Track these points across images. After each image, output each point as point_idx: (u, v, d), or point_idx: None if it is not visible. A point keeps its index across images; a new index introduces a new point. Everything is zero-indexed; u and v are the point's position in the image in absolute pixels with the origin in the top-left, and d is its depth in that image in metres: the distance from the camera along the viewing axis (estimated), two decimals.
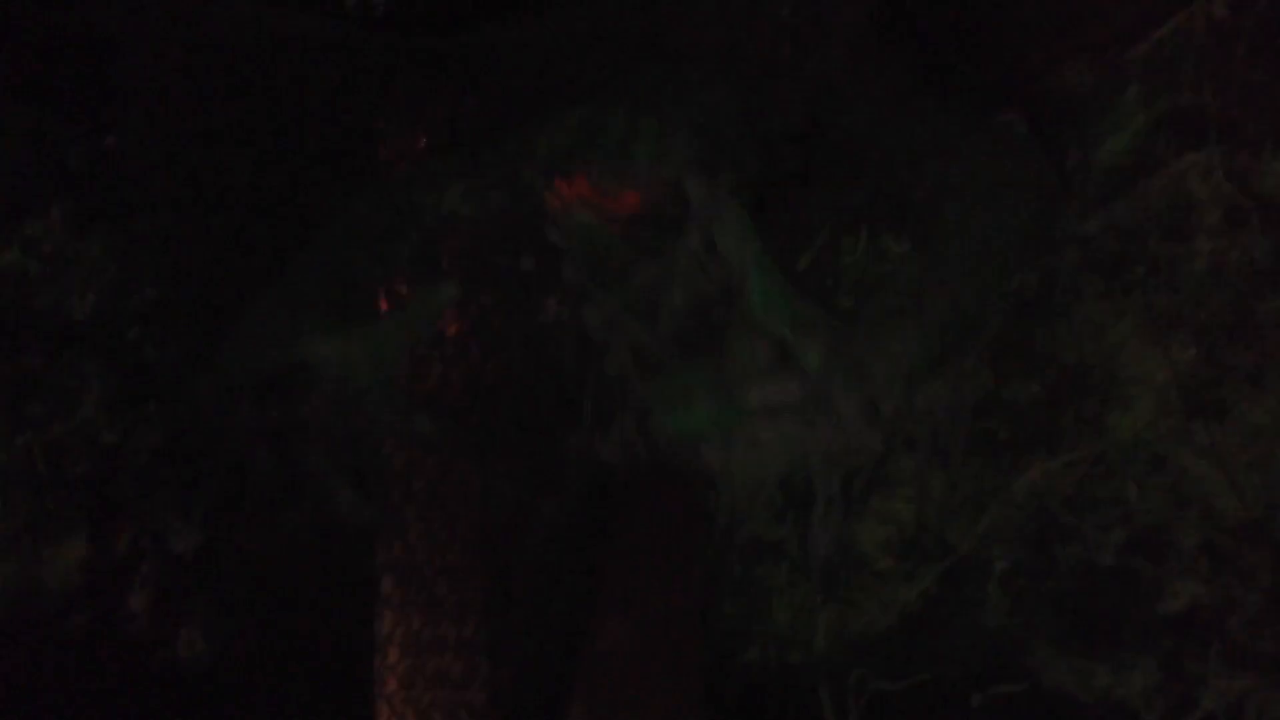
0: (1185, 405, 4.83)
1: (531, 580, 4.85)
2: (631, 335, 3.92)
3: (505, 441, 4.49)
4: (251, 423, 4.20)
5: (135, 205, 5.12)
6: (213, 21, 4.88)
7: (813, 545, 4.04)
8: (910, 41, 4.62)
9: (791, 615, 5.50)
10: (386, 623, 4.50)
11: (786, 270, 4.12)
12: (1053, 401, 5.07)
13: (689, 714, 4.91)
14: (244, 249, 4.97)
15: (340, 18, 4.79)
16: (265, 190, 5.03)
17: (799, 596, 5.51)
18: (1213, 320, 4.71)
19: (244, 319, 4.25)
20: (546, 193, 4.17)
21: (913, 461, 5.20)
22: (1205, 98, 4.43)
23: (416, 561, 4.54)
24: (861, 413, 3.76)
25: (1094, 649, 5.13)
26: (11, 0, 5.00)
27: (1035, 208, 4.39)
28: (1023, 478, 5.17)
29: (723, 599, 5.50)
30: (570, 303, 4.16)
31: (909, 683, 5.33)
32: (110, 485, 5.11)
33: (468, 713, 4.49)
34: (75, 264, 5.07)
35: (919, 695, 5.32)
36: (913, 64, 4.57)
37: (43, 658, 5.08)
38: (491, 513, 4.65)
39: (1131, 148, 4.59)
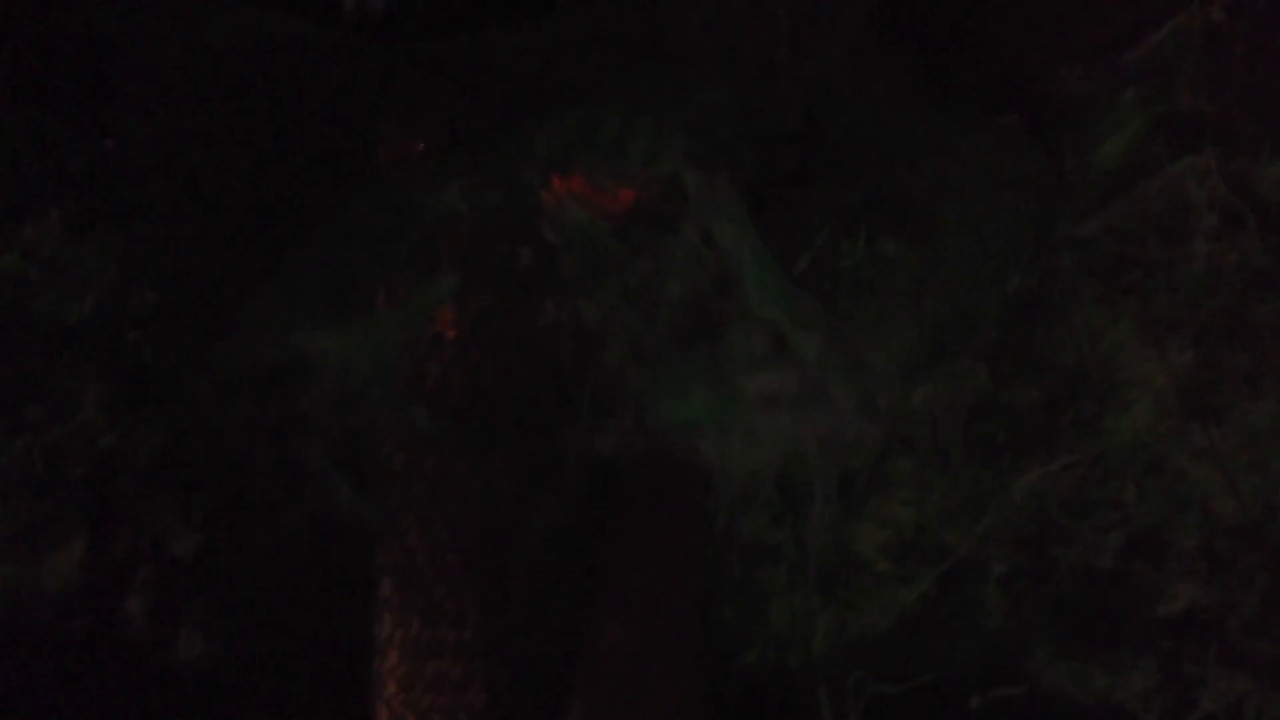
0: (1183, 408, 4.84)
1: (530, 582, 4.85)
2: (629, 328, 3.93)
3: (505, 437, 4.49)
4: (250, 418, 4.20)
5: (134, 208, 5.12)
6: (211, 25, 4.89)
7: (810, 537, 4.03)
8: (908, 43, 4.63)
9: (790, 618, 5.50)
10: (386, 625, 4.50)
11: (785, 270, 4.13)
12: (1051, 404, 5.07)
13: (688, 716, 4.91)
14: (243, 253, 4.97)
15: (338, 22, 4.80)
16: (264, 194, 5.03)
17: (798, 599, 5.51)
18: (1210, 323, 4.71)
19: (241, 315, 4.25)
20: (542, 190, 4.18)
21: (911, 464, 5.21)
22: (1202, 101, 4.44)
23: (416, 564, 4.55)
24: (858, 404, 3.77)
25: (1093, 651, 5.13)
26: (10, 1, 5.00)
27: (1033, 205, 4.40)
28: (1021, 480, 5.17)
29: (721, 601, 5.50)
30: (567, 297, 4.17)
31: (908, 685, 5.33)
32: (109, 488, 5.11)
33: (467, 715, 4.49)
34: (74, 267, 5.07)
35: (918, 697, 5.32)
36: (911, 65, 4.58)
37: (42, 660, 5.07)
38: (491, 515, 4.65)
39: (1128, 151, 4.60)
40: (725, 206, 4.05)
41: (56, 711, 5.08)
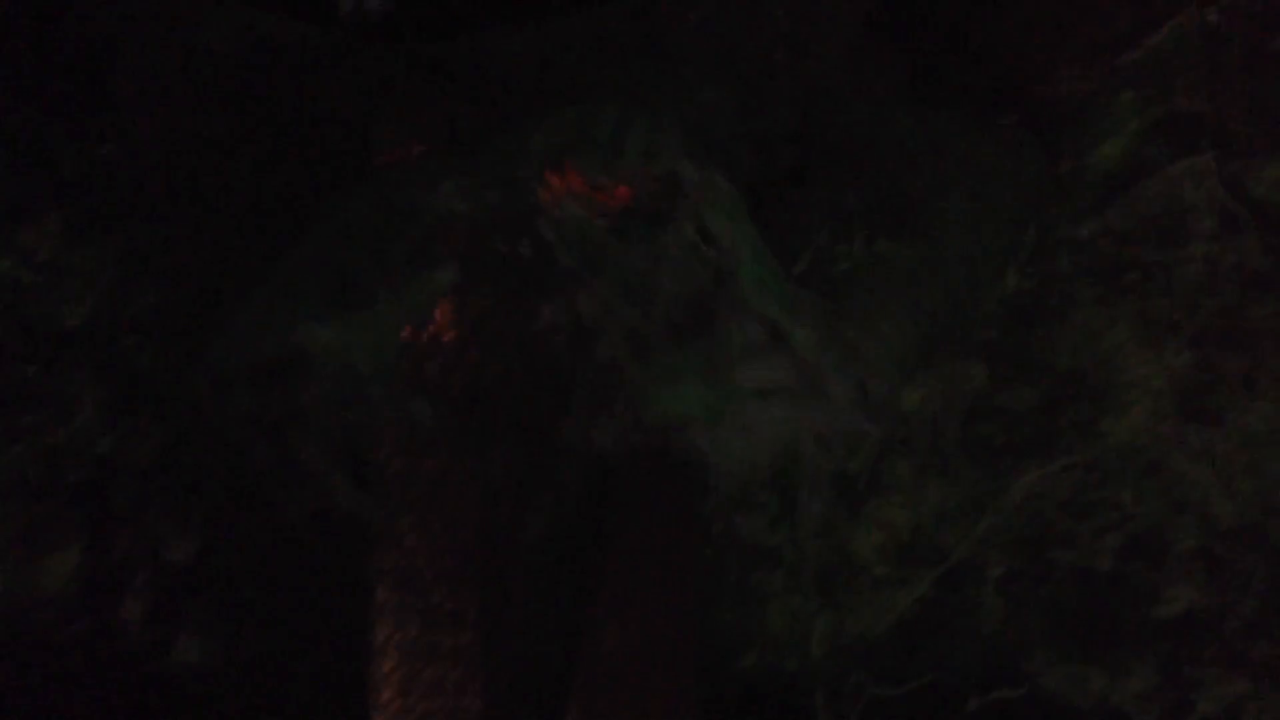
0: (1181, 410, 4.84)
1: (528, 586, 4.85)
2: (625, 321, 3.93)
3: (503, 432, 4.48)
4: (249, 414, 4.19)
5: (132, 212, 5.12)
6: (207, 30, 4.89)
7: (802, 530, 4.02)
8: (906, 44, 4.63)
9: (788, 620, 5.50)
10: (383, 629, 4.49)
11: (783, 268, 4.13)
12: (1048, 406, 5.07)
13: (686, 718, 4.91)
14: (240, 256, 4.97)
15: (335, 25, 4.80)
16: (262, 197, 5.03)
17: (796, 601, 5.51)
18: (1208, 325, 4.71)
19: (239, 311, 4.24)
20: (539, 188, 4.18)
21: (909, 466, 5.20)
22: (1200, 103, 4.44)
23: (413, 568, 4.54)
24: (854, 397, 3.76)
25: (1091, 653, 5.13)
26: (8, 5, 5.00)
27: (1030, 201, 4.40)
28: (1019, 482, 5.17)
29: (720, 604, 5.50)
30: (564, 291, 4.17)
31: (906, 687, 5.33)
32: (107, 492, 5.11)
33: (465, 719, 4.49)
34: (71, 271, 5.07)
35: (916, 699, 5.32)
36: (909, 66, 4.58)
37: (40, 664, 5.07)
38: (489, 519, 4.65)
39: (1126, 152, 4.60)
40: (721, 199, 4.05)
41: (55, 715, 5.08)
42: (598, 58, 4.65)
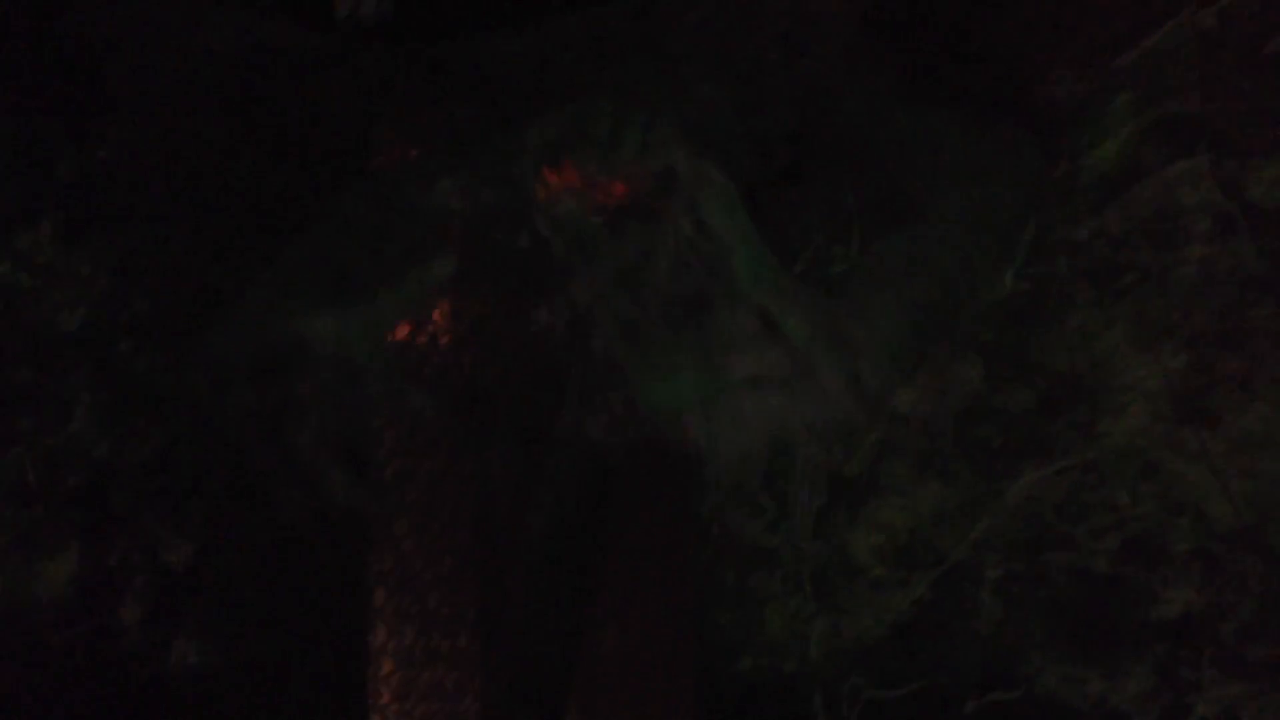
0: (1177, 412, 4.84)
1: (526, 590, 4.85)
2: (619, 309, 3.93)
3: (501, 430, 4.47)
4: (245, 404, 4.18)
5: (127, 217, 5.12)
6: (203, 33, 4.88)
7: (795, 514, 4.01)
8: (903, 47, 4.63)
9: (785, 623, 5.50)
10: (379, 635, 4.49)
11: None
12: (1045, 408, 5.08)
13: None
14: (237, 261, 4.97)
15: (330, 29, 4.80)
16: (258, 202, 5.03)
17: (793, 604, 5.51)
18: (1204, 327, 4.71)
19: (236, 304, 4.24)
20: (535, 184, 4.19)
21: (905, 468, 5.21)
22: (1196, 105, 4.44)
23: (410, 572, 4.54)
24: (846, 384, 3.76)
25: (1088, 655, 5.14)
26: (3, 9, 5.00)
27: (1026, 194, 4.39)
28: (1015, 484, 5.17)
29: (717, 607, 5.50)
30: (559, 281, 4.18)
31: (903, 690, 5.33)
32: (103, 497, 5.11)
33: None
34: (66, 277, 5.07)
35: (913, 702, 5.32)
36: (905, 68, 4.58)
37: (36, 670, 5.07)
38: (486, 522, 4.65)
39: (1122, 155, 4.60)
40: (715, 187, 4.05)
41: (53, 718, 5.08)
42: (595, 57, 4.65)
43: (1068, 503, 5.14)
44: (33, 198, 5.09)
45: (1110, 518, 5.09)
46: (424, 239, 4.24)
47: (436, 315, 4.47)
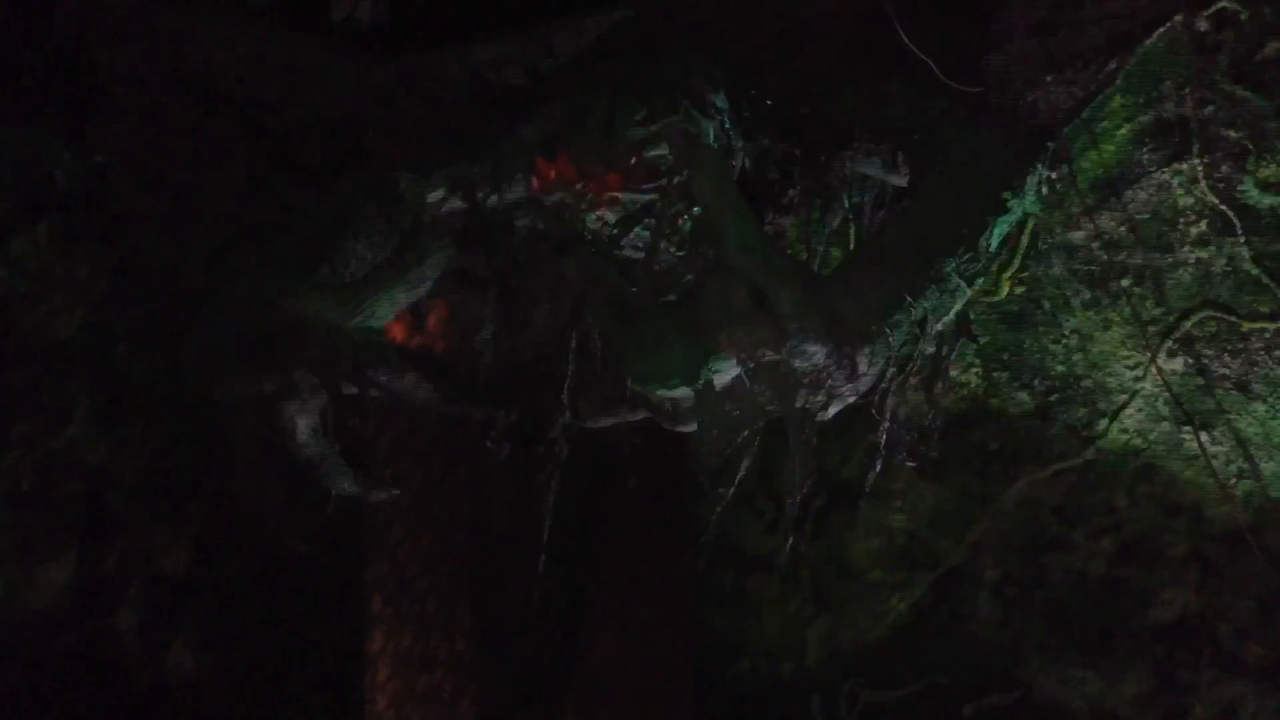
0: (1173, 414, 4.84)
1: (522, 596, 4.85)
2: (611, 286, 3.93)
3: (496, 435, 4.46)
4: (238, 387, 4.14)
5: (123, 224, 5.12)
6: (199, 40, 4.89)
7: (787, 483, 3.98)
8: (897, 51, 4.63)
9: (783, 626, 5.51)
10: (376, 640, 4.50)
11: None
12: (1041, 411, 5.08)
13: None
14: (232, 266, 4.97)
15: (326, 36, 4.81)
16: (253, 207, 5.03)
17: (790, 608, 5.51)
18: (1200, 329, 4.71)
19: (229, 288, 4.21)
20: (530, 175, 4.19)
21: (903, 472, 5.21)
22: (1189, 108, 4.44)
23: (406, 579, 4.55)
24: (836, 359, 3.75)
25: (1086, 657, 5.14)
26: None
27: (1014, 173, 4.37)
28: (1013, 487, 5.17)
29: (714, 611, 5.50)
30: (550, 262, 4.19)
31: (901, 693, 5.34)
32: (100, 503, 5.11)
33: None
34: (63, 282, 5.07)
35: (911, 705, 5.32)
36: (901, 72, 4.58)
37: (33, 675, 5.08)
38: (482, 529, 4.65)
39: (1116, 158, 4.59)
40: (706, 160, 4.05)
41: None
42: (593, 56, 4.66)
43: (1065, 505, 5.14)
44: (30, 203, 5.10)
45: (1108, 520, 5.09)
46: (419, 228, 4.24)
47: (431, 322, 4.47)
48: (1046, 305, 4.89)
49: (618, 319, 3.85)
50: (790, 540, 5.25)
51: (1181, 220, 4.60)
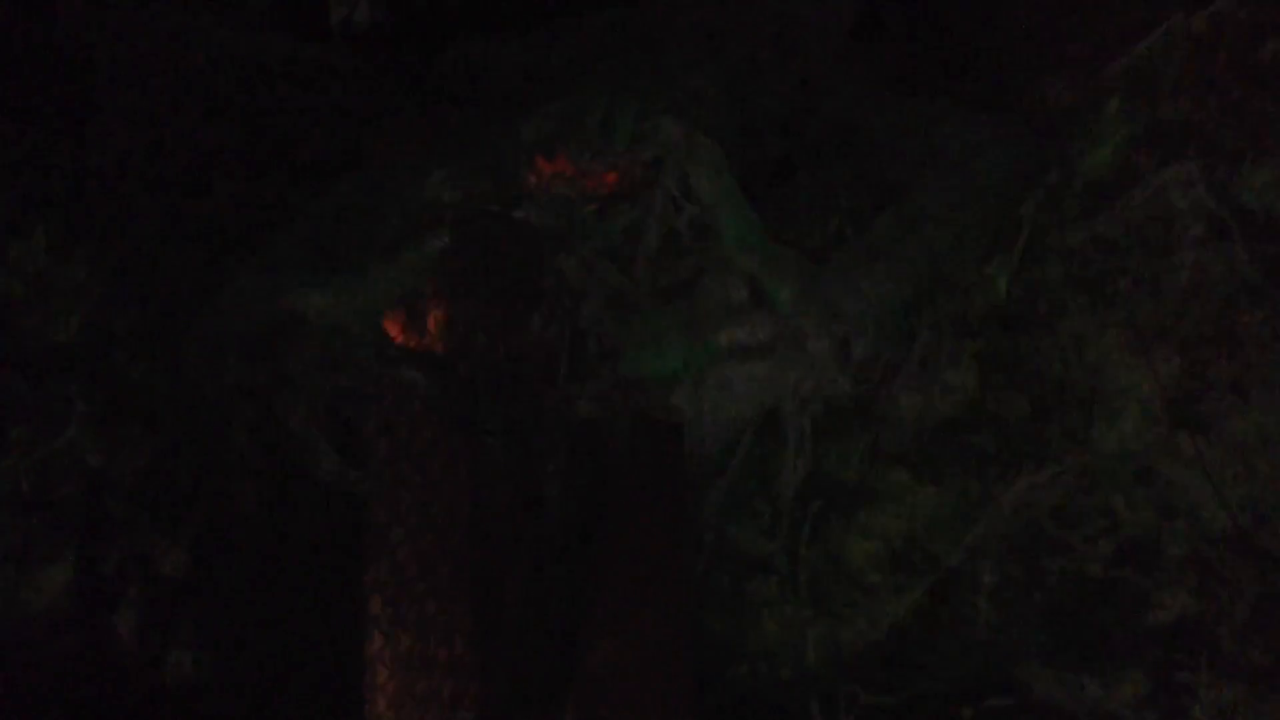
0: (1171, 417, 4.84)
1: (522, 598, 4.84)
2: (608, 279, 3.93)
3: (495, 436, 4.46)
4: (238, 380, 4.15)
5: (120, 227, 5.11)
6: (196, 43, 4.89)
7: (784, 471, 3.98)
8: (894, 53, 4.64)
9: (781, 630, 5.50)
10: (375, 643, 4.49)
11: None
12: (1038, 414, 5.08)
13: None
14: (229, 270, 4.97)
15: (324, 38, 4.81)
16: (251, 210, 5.03)
17: (788, 611, 5.50)
18: (1197, 332, 4.72)
19: (228, 284, 4.22)
20: (527, 172, 4.20)
21: (901, 475, 5.21)
22: (1187, 110, 4.45)
23: (405, 580, 4.53)
24: (833, 352, 3.75)
25: (1084, 660, 5.14)
26: None
27: (1016, 173, 4.38)
28: (1010, 490, 5.17)
29: (712, 614, 5.49)
30: (548, 257, 4.19)
31: (899, 696, 5.33)
32: (97, 506, 5.10)
33: None
34: (60, 286, 5.06)
35: (909, 709, 5.32)
36: (897, 75, 4.60)
37: (31, 680, 5.06)
38: (481, 530, 4.64)
39: (1114, 161, 4.61)
40: (703, 156, 4.05)
41: None
42: (590, 56, 4.67)
43: (1063, 508, 5.14)
44: (25, 207, 5.09)
45: (1105, 523, 5.09)
46: (417, 222, 4.24)
47: (430, 324, 4.47)
48: (1043, 308, 4.90)
49: (614, 311, 3.85)
50: (787, 543, 5.26)
51: (1179, 223, 4.62)
